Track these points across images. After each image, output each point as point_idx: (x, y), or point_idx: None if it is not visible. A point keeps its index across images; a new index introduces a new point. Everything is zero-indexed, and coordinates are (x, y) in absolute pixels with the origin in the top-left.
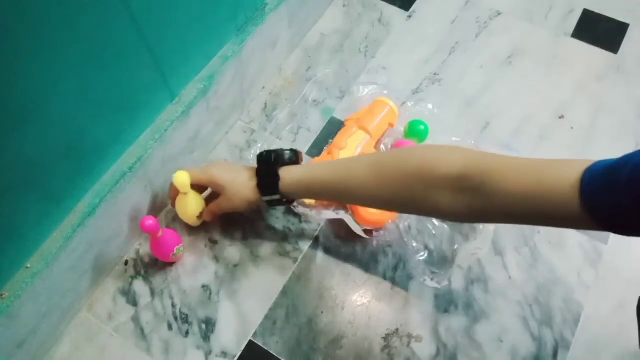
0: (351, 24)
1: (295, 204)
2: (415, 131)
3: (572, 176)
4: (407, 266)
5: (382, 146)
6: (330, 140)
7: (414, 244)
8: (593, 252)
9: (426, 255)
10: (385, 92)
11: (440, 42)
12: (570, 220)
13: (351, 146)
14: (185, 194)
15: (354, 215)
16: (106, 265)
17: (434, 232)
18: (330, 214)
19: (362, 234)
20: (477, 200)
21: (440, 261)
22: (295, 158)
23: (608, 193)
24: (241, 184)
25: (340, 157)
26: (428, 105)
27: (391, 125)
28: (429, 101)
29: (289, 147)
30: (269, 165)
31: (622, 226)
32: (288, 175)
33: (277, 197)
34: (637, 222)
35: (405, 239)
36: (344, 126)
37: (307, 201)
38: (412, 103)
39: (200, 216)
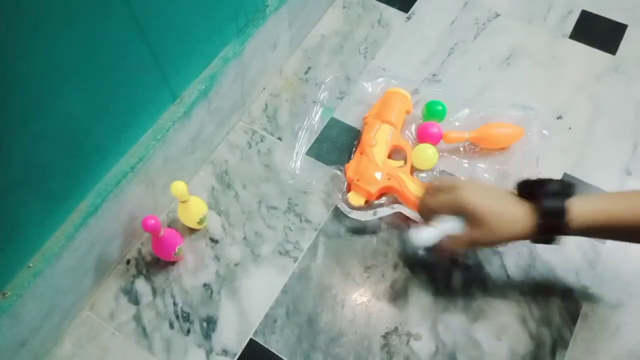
0: (351, 25)
1: (347, 209)
2: (434, 112)
3: None
4: (406, 265)
5: (407, 133)
6: (355, 142)
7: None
8: (591, 252)
9: None
10: (394, 82)
11: (439, 43)
12: None
13: (381, 141)
14: (184, 202)
15: (406, 204)
16: (108, 265)
17: None
18: (386, 211)
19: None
20: None
21: None
22: (575, 189)
23: None
24: (510, 220)
25: (375, 154)
26: (438, 90)
27: (408, 112)
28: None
29: (549, 177)
30: (556, 200)
31: None
32: (581, 211)
33: (564, 223)
34: None
35: None
36: (365, 124)
37: (356, 202)
38: (422, 88)
39: (201, 221)
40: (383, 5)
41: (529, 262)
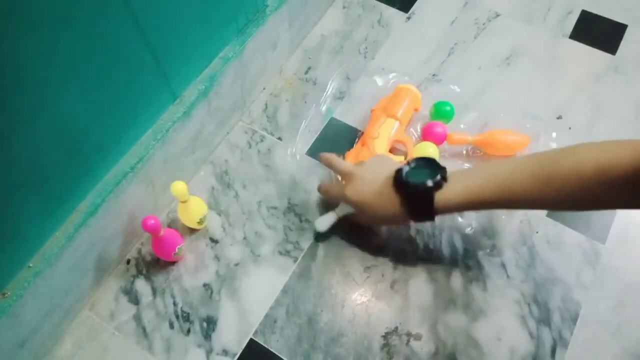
0: (351, 25)
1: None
2: (442, 112)
3: None
4: (406, 265)
5: (411, 130)
6: (360, 132)
7: (460, 220)
8: (591, 252)
9: (473, 229)
10: (406, 78)
11: (439, 43)
12: None
13: (383, 135)
14: (185, 201)
15: None
16: (108, 265)
17: None
18: None
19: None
20: None
21: (491, 233)
22: (444, 179)
23: None
24: (385, 212)
25: (375, 147)
26: (450, 86)
27: (416, 109)
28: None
29: (428, 164)
30: (421, 199)
31: None
32: (444, 202)
33: (429, 218)
34: None
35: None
36: (371, 117)
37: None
38: (433, 86)
39: (201, 221)
40: (383, 5)
41: (529, 262)
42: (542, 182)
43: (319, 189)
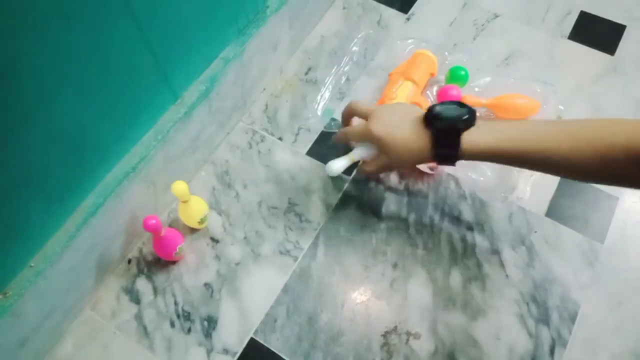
0: (351, 26)
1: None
2: (457, 76)
3: None
4: (406, 264)
5: (427, 93)
6: (378, 96)
7: (472, 176)
8: (590, 251)
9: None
10: (423, 44)
11: (438, 44)
12: None
13: (400, 96)
14: (185, 202)
15: None
16: (109, 264)
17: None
18: None
19: (428, 171)
20: None
21: (489, 232)
22: (473, 119)
23: None
24: (412, 144)
25: None
26: (463, 58)
27: (432, 74)
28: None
29: (458, 104)
30: (449, 136)
31: None
32: (471, 142)
33: (455, 154)
34: None
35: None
36: (389, 80)
37: None
38: (448, 53)
39: (201, 221)
40: (383, 6)
41: (528, 262)
42: (576, 148)
43: (336, 136)
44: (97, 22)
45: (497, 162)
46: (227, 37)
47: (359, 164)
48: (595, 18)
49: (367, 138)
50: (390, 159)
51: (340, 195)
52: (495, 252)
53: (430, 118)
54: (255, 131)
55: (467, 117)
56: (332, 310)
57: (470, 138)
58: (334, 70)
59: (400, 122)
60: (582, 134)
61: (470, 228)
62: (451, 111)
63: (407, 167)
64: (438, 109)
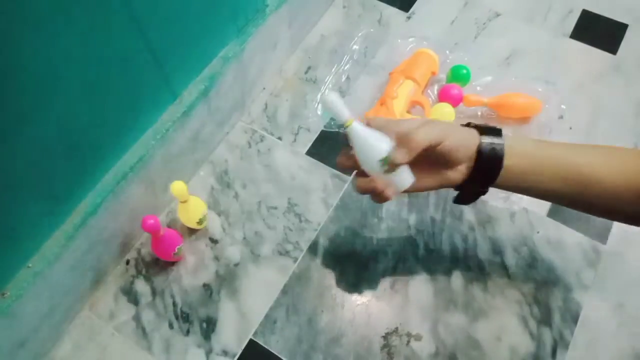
0: (351, 25)
1: None
2: (458, 75)
3: None
4: (406, 265)
5: (428, 92)
6: (378, 95)
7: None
8: (592, 252)
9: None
10: (425, 43)
11: (439, 42)
12: None
13: (402, 95)
14: (184, 202)
15: None
16: (107, 265)
17: None
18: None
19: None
20: None
21: (491, 233)
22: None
23: None
24: (463, 135)
25: (394, 106)
26: (465, 57)
27: (434, 73)
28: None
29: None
30: (494, 130)
31: None
32: (515, 139)
33: (501, 142)
34: None
35: None
36: (390, 79)
37: None
38: (449, 52)
39: (200, 221)
40: (383, 5)
41: (530, 263)
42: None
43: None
44: (97, 21)
45: (539, 178)
46: (227, 36)
47: (394, 149)
48: (597, 17)
49: (407, 125)
50: (440, 130)
51: (340, 195)
52: (497, 252)
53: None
54: (254, 130)
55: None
56: (332, 311)
57: (513, 139)
58: (334, 69)
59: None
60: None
61: (471, 228)
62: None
63: (455, 146)
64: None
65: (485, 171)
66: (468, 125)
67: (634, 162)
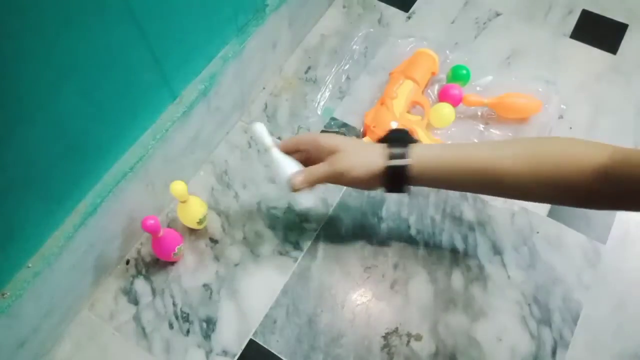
0: (351, 24)
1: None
2: (459, 75)
3: None
4: (406, 265)
5: (428, 92)
6: (379, 95)
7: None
8: (592, 252)
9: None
10: (425, 43)
11: (439, 42)
12: None
13: (401, 95)
14: (184, 202)
15: None
16: (107, 265)
17: None
18: None
19: None
20: (623, 190)
21: (491, 233)
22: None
23: None
24: (367, 150)
25: (394, 106)
26: (465, 57)
27: (433, 73)
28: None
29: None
30: (400, 134)
31: None
32: (422, 148)
33: (407, 162)
34: None
35: None
36: (390, 79)
37: None
38: (449, 52)
39: (200, 221)
40: (383, 5)
41: (530, 262)
42: (529, 165)
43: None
44: (96, 21)
45: (450, 176)
46: (226, 36)
47: (294, 175)
48: (598, 17)
49: (320, 142)
50: (343, 163)
51: (340, 195)
52: (497, 252)
53: (383, 136)
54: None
55: (414, 138)
56: (332, 311)
57: (419, 149)
58: (334, 69)
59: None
60: (534, 157)
61: (471, 228)
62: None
63: (358, 176)
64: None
65: (392, 188)
66: (384, 139)
67: (534, 150)
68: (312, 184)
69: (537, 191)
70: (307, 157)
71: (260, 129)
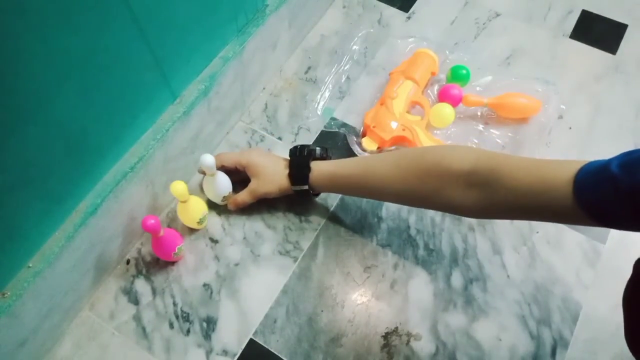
0: (351, 25)
1: (360, 152)
2: (458, 75)
3: (567, 174)
4: (406, 265)
5: (428, 92)
6: (379, 95)
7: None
8: (591, 252)
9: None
10: (424, 43)
11: (439, 43)
12: (566, 215)
13: (401, 95)
14: (184, 201)
15: None
16: (108, 265)
17: None
18: None
19: None
20: (485, 195)
21: (491, 233)
22: (325, 155)
23: (595, 189)
24: (276, 172)
25: (394, 106)
26: (464, 57)
27: (433, 73)
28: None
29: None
30: (301, 158)
31: (609, 220)
32: (318, 168)
33: (305, 187)
34: (624, 216)
35: None
36: (389, 79)
37: (369, 146)
38: (449, 52)
39: (200, 221)
40: (383, 5)
41: (529, 262)
42: (396, 168)
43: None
44: (96, 21)
45: (340, 189)
46: (227, 36)
47: (228, 198)
48: (597, 17)
49: (243, 161)
50: (259, 181)
51: (340, 195)
52: (497, 252)
53: (292, 149)
54: (254, 130)
55: (320, 150)
56: (332, 311)
57: (317, 164)
58: (334, 69)
59: (269, 155)
60: (400, 160)
61: (471, 228)
62: (308, 145)
63: (272, 189)
64: (300, 145)
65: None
66: (290, 150)
67: (406, 162)
68: (240, 206)
69: (406, 194)
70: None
71: (211, 160)
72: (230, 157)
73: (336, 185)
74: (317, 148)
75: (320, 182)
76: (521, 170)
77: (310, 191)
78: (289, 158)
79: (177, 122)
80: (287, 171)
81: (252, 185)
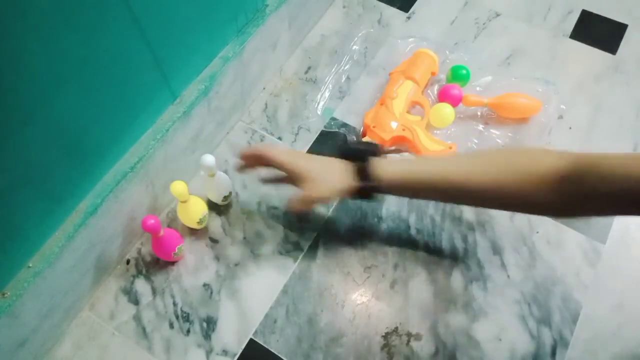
0: (351, 25)
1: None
2: (458, 75)
3: None
4: (406, 265)
5: (428, 92)
6: (379, 95)
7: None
8: (592, 252)
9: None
10: (424, 43)
11: (439, 42)
12: None
13: (401, 95)
14: (184, 201)
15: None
16: (108, 265)
17: None
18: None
19: None
20: (579, 195)
21: (491, 233)
22: (377, 151)
23: None
24: (334, 172)
25: (394, 106)
26: (464, 57)
27: (433, 73)
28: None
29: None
30: (361, 153)
31: None
32: (386, 164)
33: (374, 183)
34: None
35: None
36: (390, 79)
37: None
38: (449, 52)
39: (200, 221)
40: (383, 5)
41: (529, 262)
42: (493, 173)
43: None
44: (97, 21)
45: (417, 187)
46: (227, 36)
47: (228, 198)
48: (597, 17)
49: (287, 169)
50: (314, 187)
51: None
52: (497, 252)
53: (341, 148)
54: (254, 130)
55: (374, 147)
56: (332, 311)
57: (383, 165)
58: (334, 69)
59: (315, 156)
60: (498, 161)
61: (471, 228)
62: (362, 142)
63: (328, 197)
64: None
65: (360, 201)
66: (351, 156)
67: (496, 162)
68: (304, 207)
69: (497, 202)
70: (281, 174)
71: (211, 160)
72: (274, 158)
73: (416, 182)
74: (373, 144)
75: (393, 178)
76: (616, 168)
77: (374, 191)
78: (338, 158)
79: (177, 122)
80: (349, 168)
81: (307, 194)
